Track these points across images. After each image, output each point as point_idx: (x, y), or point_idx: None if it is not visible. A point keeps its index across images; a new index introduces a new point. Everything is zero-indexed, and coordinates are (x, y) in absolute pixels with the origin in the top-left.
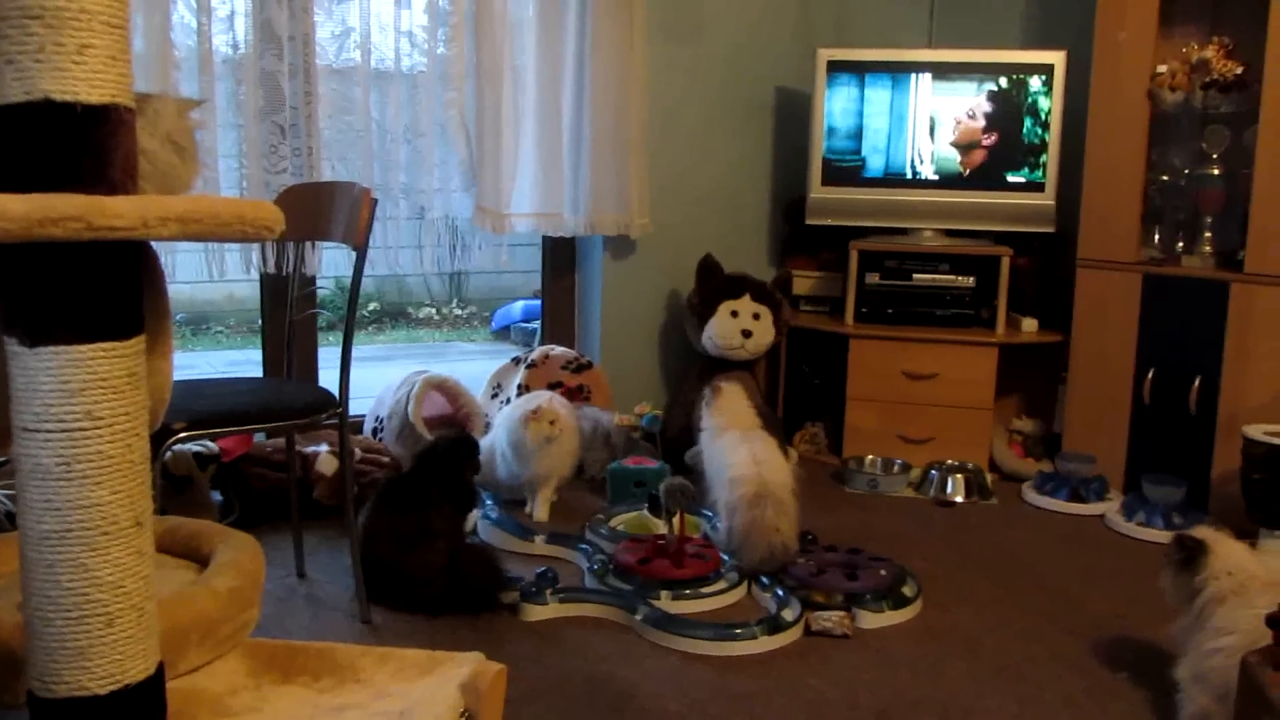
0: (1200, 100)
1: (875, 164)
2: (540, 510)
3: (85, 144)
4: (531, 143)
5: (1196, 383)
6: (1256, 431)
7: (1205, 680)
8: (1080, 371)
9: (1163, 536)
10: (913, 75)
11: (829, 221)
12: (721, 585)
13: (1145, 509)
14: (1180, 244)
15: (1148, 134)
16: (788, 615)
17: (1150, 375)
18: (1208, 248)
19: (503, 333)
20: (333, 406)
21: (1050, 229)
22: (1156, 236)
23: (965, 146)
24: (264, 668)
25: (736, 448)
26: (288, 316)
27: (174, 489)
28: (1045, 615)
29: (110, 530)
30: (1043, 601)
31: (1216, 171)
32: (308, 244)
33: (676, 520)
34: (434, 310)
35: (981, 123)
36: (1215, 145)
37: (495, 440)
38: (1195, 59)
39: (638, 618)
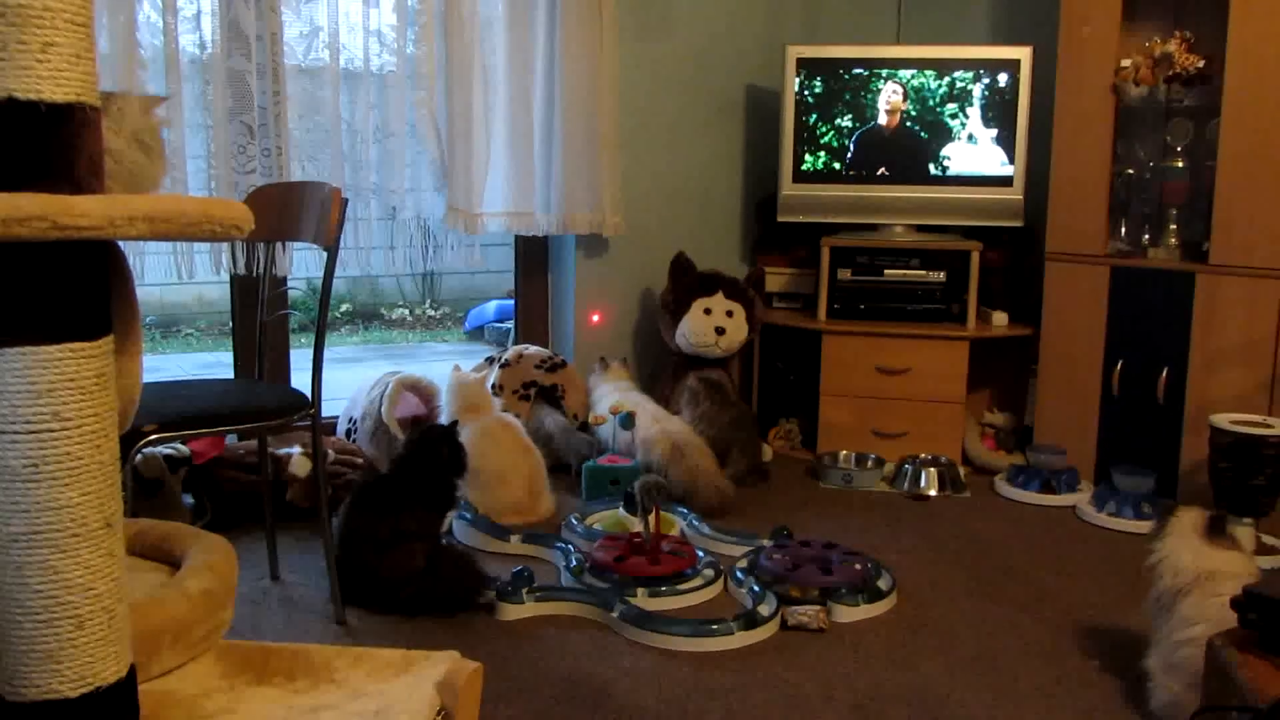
0: (1164, 94)
1: (845, 161)
2: None
3: (50, 143)
4: (503, 142)
5: (1164, 373)
6: (1223, 421)
7: (1176, 669)
8: (1050, 364)
9: (1133, 526)
10: (881, 72)
11: (800, 219)
12: (698, 582)
13: (1116, 499)
14: (1146, 236)
15: (1113, 128)
16: (764, 610)
17: (1119, 367)
18: (1173, 240)
19: (476, 333)
20: (305, 407)
21: (1018, 223)
22: (1123, 229)
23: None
24: (238, 669)
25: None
26: (259, 318)
27: (145, 492)
28: (1018, 606)
29: (80, 532)
30: (1016, 593)
31: (1181, 164)
32: (278, 245)
33: (652, 518)
34: (407, 311)
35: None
36: (1179, 138)
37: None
38: (1158, 53)
39: (614, 615)
